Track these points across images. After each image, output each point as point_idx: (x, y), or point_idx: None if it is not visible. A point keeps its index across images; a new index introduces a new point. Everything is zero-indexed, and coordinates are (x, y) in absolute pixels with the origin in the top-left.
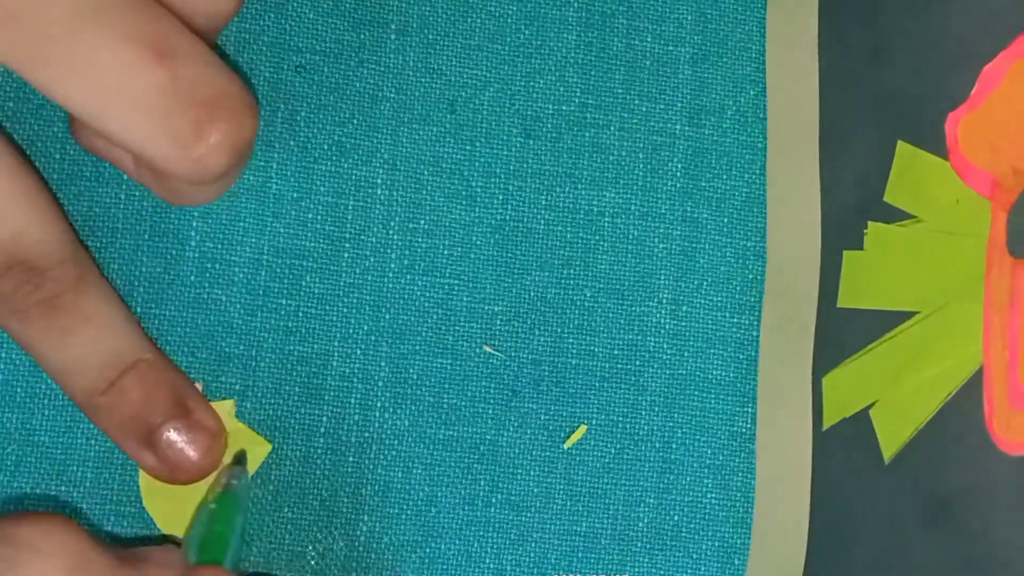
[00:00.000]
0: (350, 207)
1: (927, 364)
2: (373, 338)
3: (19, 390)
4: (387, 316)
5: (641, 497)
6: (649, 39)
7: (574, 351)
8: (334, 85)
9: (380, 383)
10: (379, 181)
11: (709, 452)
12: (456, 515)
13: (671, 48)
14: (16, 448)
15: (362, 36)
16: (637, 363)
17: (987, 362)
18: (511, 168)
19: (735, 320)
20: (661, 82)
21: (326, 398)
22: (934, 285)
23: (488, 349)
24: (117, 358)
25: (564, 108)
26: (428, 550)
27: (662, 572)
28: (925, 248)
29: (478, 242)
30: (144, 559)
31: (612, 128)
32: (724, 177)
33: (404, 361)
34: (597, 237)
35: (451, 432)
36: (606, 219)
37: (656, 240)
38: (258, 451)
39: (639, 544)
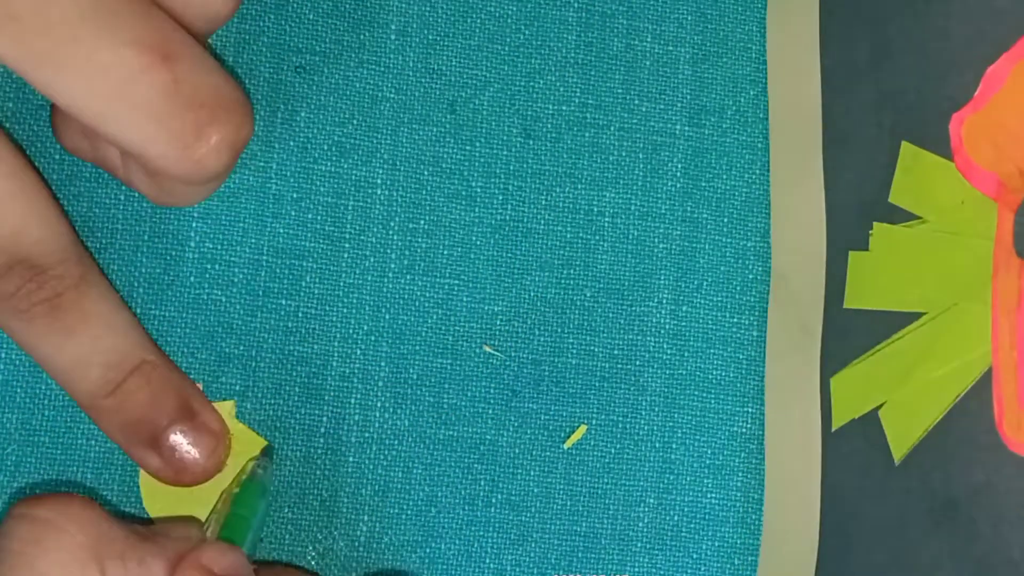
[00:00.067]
0: (350, 207)
1: (936, 365)
2: (373, 338)
3: (19, 390)
4: (387, 316)
5: (641, 497)
6: (649, 39)
7: (574, 351)
8: (334, 85)
9: (380, 383)
10: (379, 181)
11: (709, 452)
12: (456, 515)
13: (671, 48)
14: (16, 448)
15: (362, 36)
16: (637, 363)
17: (996, 363)
18: (511, 168)
19: (735, 320)
20: (661, 82)
21: (326, 398)
22: (941, 286)
23: (488, 349)
24: (122, 359)
25: (564, 108)
26: (428, 550)
27: (662, 572)
28: (931, 249)
29: (478, 242)
30: (163, 533)
31: (612, 128)
32: (724, 177)
33: (404, 361)
34: (597, 237)
35: (451, 432)
36: (606, 219)
37: (656, 240)
38: (258, 452)
39: (639, 544)
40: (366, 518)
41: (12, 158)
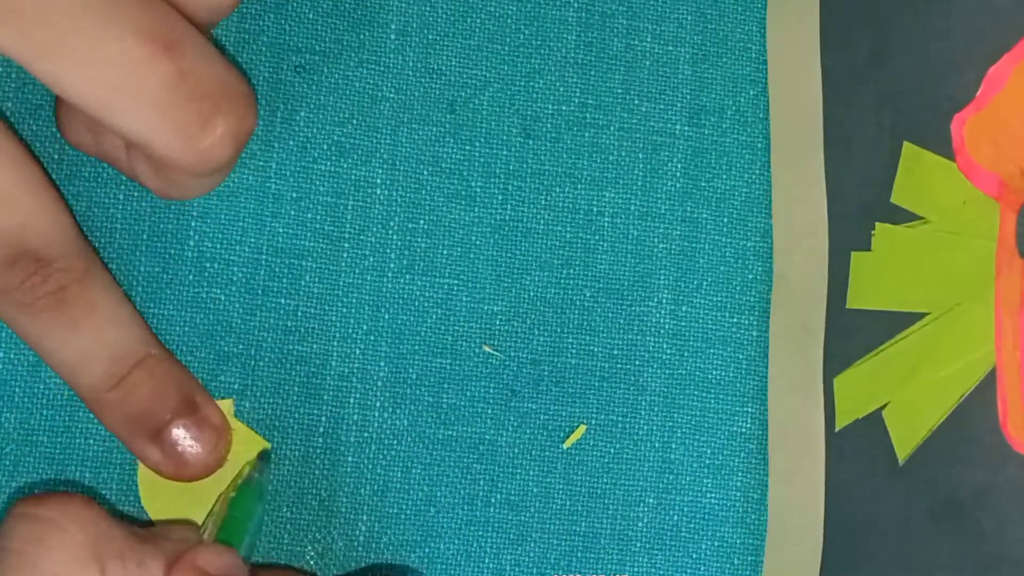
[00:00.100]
0: (349, 207)
1: (939, 365)
2: (372, 338)
3: (18, 389)
4: (386, 316)
5: (640, 497)
6: (649, 39)
7: (573, 351)
8: (334, 85)
9: (379, 383)
10: (379, 181)
11: (709, 452)
12: (455, 515)
13: (671, 48)
14: (15, 448)
15: (362, 36)
16: (637, 363)
17: (999, 363)
18: (511, 168)
19: (735, 320)
20: (661, 82)
21: (325, 398)
22: (944, 286)
23: (487, 349)
24: (126, 353)
25: (564, 108)
26: (427, 550)
27: (661, 572)
28: (933, 249)
29: (478, 242)
30: (162, 535)
31: (612, 128)
32: (724, 177)
33: (403, 361)
34: (597, 237)
35: (450, 432)
36: (606, 219)
37: (656, 240)
38: (256, 451)
39: (638, 544)
40: (365, 518)
41: (16, 150)
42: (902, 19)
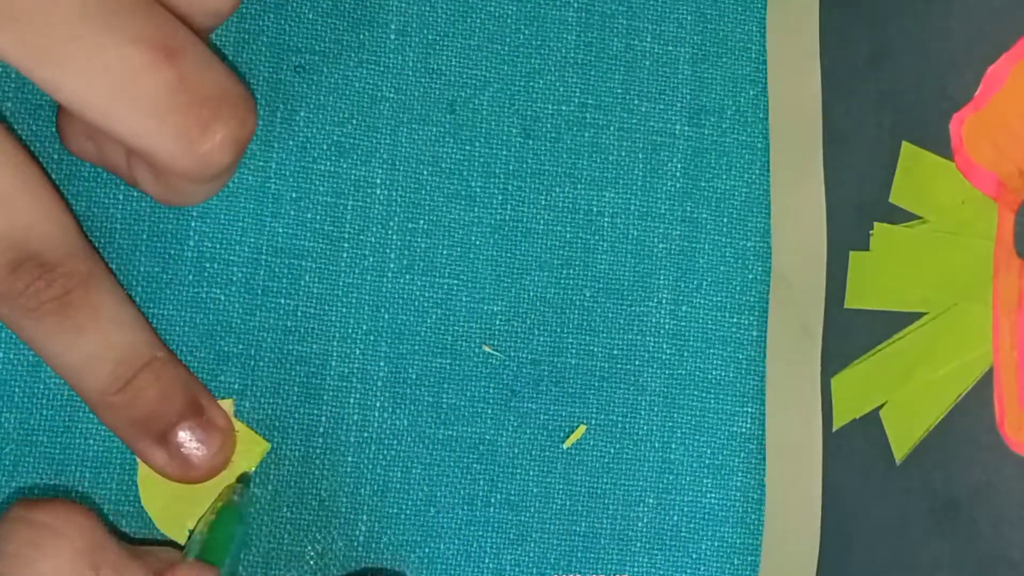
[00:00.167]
0: (349, 207)
1: (936, 365)
2: (372, 338)
3: (17, 390)
4: (386, 316)
5: (640, 497)
6: (649, 39)
7: (573, 351)
8: (334, 85)
9: (379, 383)
10: (378, 181)
11: (709, 452)
12: (455, 515)
13: (671, 48)
14: (15, 448)
15: (362, 36)
16: (637, 363)
17: (997, 363)
18: (510, 168)
19: (735, 320)
20: (661, 82)
21: (325, 398)
22: (941, 286)
23: (487, 349)
24: (132, 356)
25: (564, 108)
26: (427, 550)
27: (661, 572)
28: (932, 249)
29: (477, 242)
30: (147, 554)
31: (612, 128)
32: (724, 177)
33: (403, 361)
34: (596, 237)
35: (450, 432)
36: (605, 219)
37: (656, 240)
38: (256, 451)
39: (638, 544)
40: (365, 518)
41: (18, 153)
42: (901, 19)
